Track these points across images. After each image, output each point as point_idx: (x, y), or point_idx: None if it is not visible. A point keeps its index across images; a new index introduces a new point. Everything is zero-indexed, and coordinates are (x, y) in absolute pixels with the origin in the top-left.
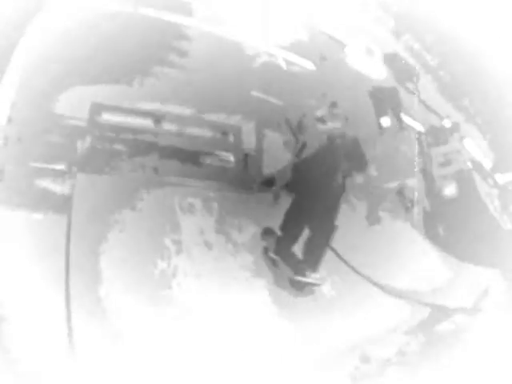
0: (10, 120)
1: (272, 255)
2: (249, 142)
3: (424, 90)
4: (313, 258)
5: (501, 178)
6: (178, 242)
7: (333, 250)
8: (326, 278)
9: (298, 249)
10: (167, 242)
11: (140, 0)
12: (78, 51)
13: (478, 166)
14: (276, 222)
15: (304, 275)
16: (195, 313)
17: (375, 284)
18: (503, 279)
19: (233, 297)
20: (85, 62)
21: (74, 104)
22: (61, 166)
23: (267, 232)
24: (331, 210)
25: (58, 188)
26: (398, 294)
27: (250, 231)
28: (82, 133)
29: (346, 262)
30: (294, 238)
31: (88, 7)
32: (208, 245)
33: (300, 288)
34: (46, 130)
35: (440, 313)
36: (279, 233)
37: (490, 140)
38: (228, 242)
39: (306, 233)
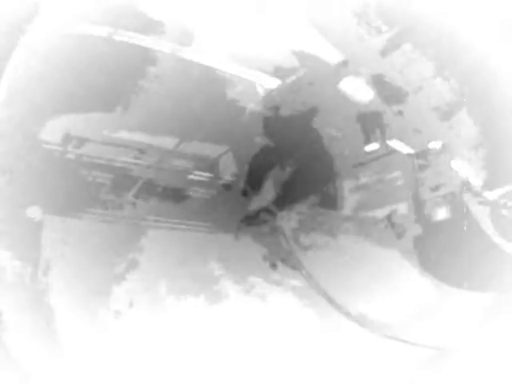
0: None
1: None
2: (229, 172)
3: (412, 110)
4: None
5: (490, 195)
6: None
7: (318, 287)
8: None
9: None
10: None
11: (115, 23)
12: (58, 79)
13: (467, 186)
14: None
15: None
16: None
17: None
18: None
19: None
20: (64, 90)
21: (56, 133)
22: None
23: None
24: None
25: None
26: (388, 334)
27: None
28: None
29: (333, 303)
30: None
31: (65, 32)
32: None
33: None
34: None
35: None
36: None
37: (484, 157)
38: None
39: None
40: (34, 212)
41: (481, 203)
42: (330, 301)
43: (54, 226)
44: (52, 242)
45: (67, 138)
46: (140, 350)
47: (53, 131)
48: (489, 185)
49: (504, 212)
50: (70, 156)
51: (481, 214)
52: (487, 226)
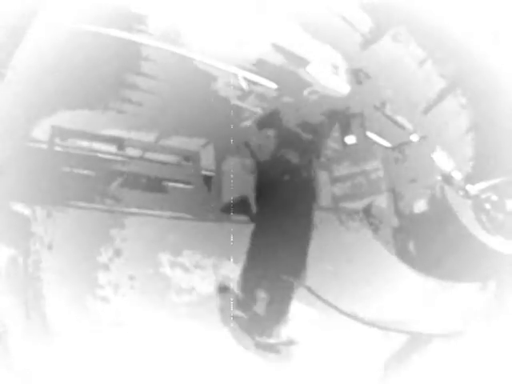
0: None
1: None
2: (208, 166)
3: (394, 102)
4: (275, 314)
5: (472, 189)
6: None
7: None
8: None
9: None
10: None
11: (99, 17)
12: (53, 76)
13: (448, 178)
14: (234, 255)
15: (269, 335)
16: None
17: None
18: (482, 293)
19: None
20: (58, 86)
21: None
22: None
23: (223, 290)
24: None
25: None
26: (372, 323)
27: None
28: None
29: (318, 297)
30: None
31: (61, 28)
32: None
33: (266, 349)
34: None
35: (418, 340)
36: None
37: (469, 151)
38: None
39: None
40: (21, 206)
41: (462, 197)
42: (315, 295)
43: (41, 219)
44: (40, 235)
45: (54, 132)
46: (132, 342)
47: (43, 126)
48: (472, 178)
49: (487, 206)
50: (57, 148)
51: (462, 207)
52: (469, 219)
